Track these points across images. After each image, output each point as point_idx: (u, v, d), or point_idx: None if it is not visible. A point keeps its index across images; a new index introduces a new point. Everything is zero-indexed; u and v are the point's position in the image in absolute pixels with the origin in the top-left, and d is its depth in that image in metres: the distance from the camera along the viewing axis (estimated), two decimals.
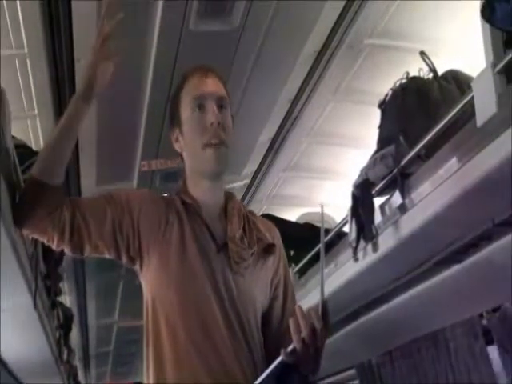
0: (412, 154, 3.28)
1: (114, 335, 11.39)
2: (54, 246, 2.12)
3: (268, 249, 2.22)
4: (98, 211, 2.11)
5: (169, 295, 2.09)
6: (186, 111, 2.18)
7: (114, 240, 2.11)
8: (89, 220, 2.09)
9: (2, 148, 2.35)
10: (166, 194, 2.29)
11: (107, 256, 2.16)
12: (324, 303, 1.84)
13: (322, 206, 2.22)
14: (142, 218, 2.13)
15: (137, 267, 2.16)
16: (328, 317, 1.83)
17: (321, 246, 2.06)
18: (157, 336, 2.09)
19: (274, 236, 2.30)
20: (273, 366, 1.89)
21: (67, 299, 8.52)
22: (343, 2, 4.10)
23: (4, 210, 2.16)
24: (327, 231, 4.41)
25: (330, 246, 4.21)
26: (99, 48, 2.10)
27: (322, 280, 1.91)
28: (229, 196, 2.28)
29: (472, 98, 2.71)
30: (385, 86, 3.99)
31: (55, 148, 2.10)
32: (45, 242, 2.13)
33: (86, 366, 13.66)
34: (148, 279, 2.15)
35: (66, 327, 5.86)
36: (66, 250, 2.13)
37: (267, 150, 5.80)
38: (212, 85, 2.19)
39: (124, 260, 2.15)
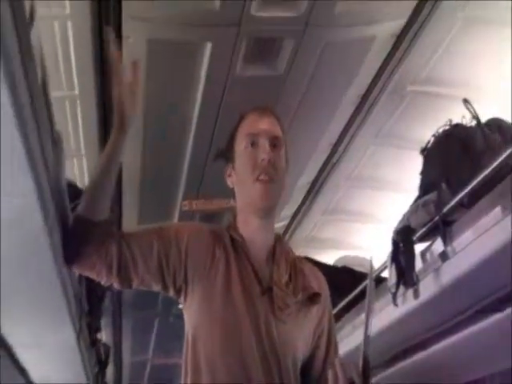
0: (455, 201, 3.27)
1: (148, 372, 11.37)
2: (103, 281, 2.15)
3: (313, 298, 2.21)
4: (145, 245, 2.13)
5: (210, 333, 2.08)
6: (239, 147, 2.21)
7: (160, 274, 2.12)
8: (135, 254, 2.11)
9: (59, 188, 2.40)
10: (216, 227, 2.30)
11: (154, 288, 2.18)
12: (366, 358, 1.85)
13: (371, 261, 2.21)
14: (190, 250, 2.13)
15: (181, 299, 2.17)
16: (369, 373, 1.84)
17: (366, 301, 2.06)
18: (195, 372, 2.09)
19: (321, 285, 2.29)
20: None
21: (103, 335, 8.55)
22: (388, 48, 4.16)
23: (56, 249, 2.20)
24: (366, 276, 4.42)
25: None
26: (114, 78, 2.15)
27: (366, 334, 1.91)
28: (278, 238, 2.27)
29: None
30: (426, 132, 4.01)
31: (97, 184, 2.14)
32: (94, 277, 2.16)
33: None
34: (190, 313, 2.15)
35: (103, 363, 5.87)
36: (115, 285, 2.16)
37: (306, 192, 5.84)
38: (267, 123, 2.22)
39: (171, 292, 2.16)
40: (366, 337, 1.90)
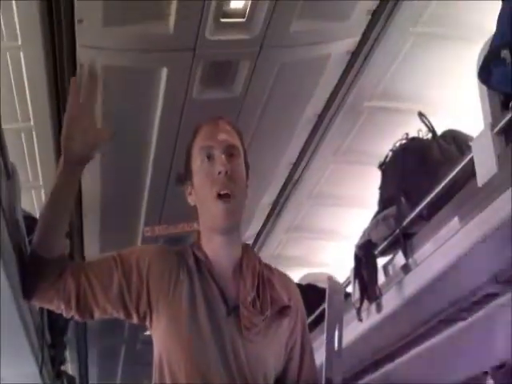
0: (414, 214, 3.33)
1: None
2: (64, 314, 2.10)
3: (282, 311, 2.12)
4: (104, 274, 2.07)
5: (176, 357, 2.02)
6: (196, 163, 2.11)
7: (121, 302, 2.06)
8: (94, 285, 2.05)
9: (14, 221, 2.38)
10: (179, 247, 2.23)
11: (118, 317, 2.12)
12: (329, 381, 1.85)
13: (328, 281, 2.17)
14: (152, 274, 2.07)
15: (147, 323, 2.11)
16: None
17: (325, 323, 2.02)
18: None
19: (291, 294, 2.19)
20: None
21: (69, 366, 8.44)
22: (343, 66, 4.20)
23: (13, 281, 2.19)
24: None
25: None
26: (66, 112, 2.02)
27: (329, 356, 1.90)
28: (245, 250, 2.17)
29: (472, 158, 2.76)
30: (384, 147, 4.06)
31: (46, 220, 2.07)
32: (54, 310, 2.11)
33: None
34: (157, 337, 2.09)
35: None
36: (76, 317, 2.10)
37: (269, 211, 5.84)
38: (221, 133, 2.12)
39: (134, 319, 2.10)
40: (329, 360, 1.89)
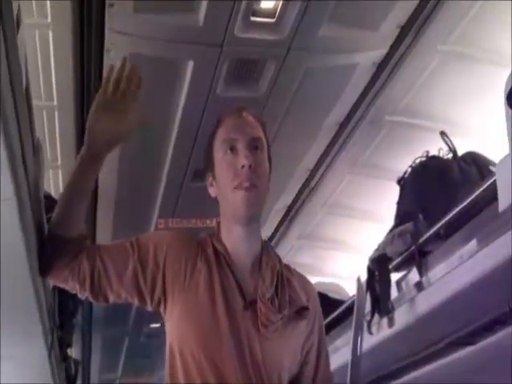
0: (431, 232, 3.28)
1: None
2: (78, 295, 2.08)
3: (301, 312, 2.07)
4: (120, 259, 2.04)
5: (189, 346, 1.97)
6: (218, 154, 2.06)
7: (136, 287, 2.03)
8: (109, 269, 2.03)
9: (37, 197, 2.37)
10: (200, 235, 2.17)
11: (132, 302, 2.07)
12: None
13: (357, 283, 2.12)
14: (169, 261, 2.03)
15: (162, 312, 2.06)
16: None
17: (353, 327, 2.01)
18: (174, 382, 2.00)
19: (310, 296, 2.15)
20: None
21: (73, 351, 8.48)
22: (369, 77, 4.20)
23: (32, 260, 2.17)
24: (340, 303, 4.41)
25: (342, 318, 4.19)
26: (97, 97, 1.99)
27: (354, 362, 1.90)
28: (265, 246, 2.12)
29: (494, 182, 2.72)
30: (402, 162, 4.04)
31: (67, 200, 2.05)
32: (69, 290, 2.08)
33: None
34: (171, 324, 2.04)
35: (72, 380, 5.81)
36: (90, 299, 2.08)
37: (283, 216, 5.84)
38: (245, 125, 2.07)
39: (148, 305, 2.06)
40: (354, 364, 1.88)
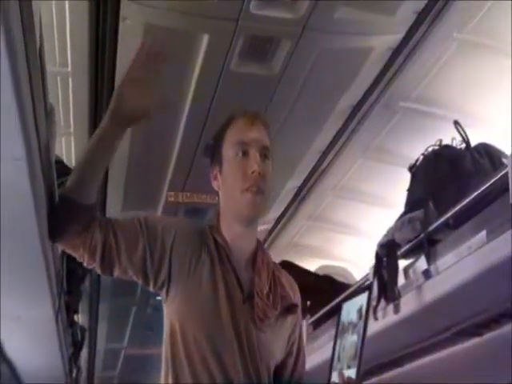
0: (441, 221, 3.28)
1: (121, 361, 11.37)
2: (84, 264, 2.11)
3: (290, 308, 2.21)
4: (131, 236, 2.08)
5: (191, 329, 2.07)
6: (228, 152, 2.16)
7: (143, 267, 2.08)
8: (120, 244, 2.07)
9: (48, 161, 2.38)
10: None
11: (135, 280, 2.14)
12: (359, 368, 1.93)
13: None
14: (176, 247, 2.10)
15: (163, 294, 2.14)
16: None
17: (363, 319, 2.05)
18: (176, 372, 2.08)
19: (295, 293, 2.28)
20: None
21: (79, 317, 8.55)
22: (384, 62, 4.17)
23: (42, 224, 2.18)
24: (346, 287, 4.41)
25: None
26: (128, 73, 2.01)
27: (361, 346, 1.96)
28: (259, 245, 2.25)
29: (506, 174, 2.73)
30: (414, 149, 4.03)
31: (86, 168, 2.06)
32: (77, 258, 2.12)
33: None
34: (172, 310, 2.12)
35: (78, 346, 5.87)
36: (96, 270, 2.12)
37: (293, 197, 5.84)
38: (258, 132, 2.17)
39: (151, 286, 2.13)
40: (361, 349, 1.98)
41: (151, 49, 2.01)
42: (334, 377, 2.04)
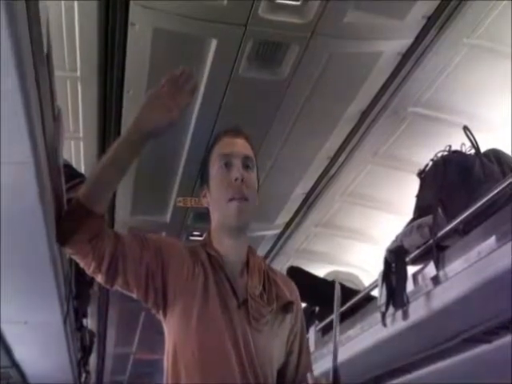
0: (450, 227, 3.27)
1: (130, 366, 11.36)
2: (88, 272, 2.14)
3: (287, 306, 2.26)
4: (136, 252, 2.14)
5: (190, 346, 2.11)
6: (213, 168, 2.26)
7: (145, 283, 2.14)
8: (128, 257, 2.12)
9: (55, 165, 2.38)
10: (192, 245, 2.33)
11: (133, 295, 2.18)
12: (335, 371, 1.94)
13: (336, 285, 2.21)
14: (171, 270, 2.16)
15: (160, 315, 2.20)
16: None
17: (334, 317, 2.07)
18: (177, 382, 2.12)
19: (293, 292, 2.34)
20: None
21: (88, 322, 8.54)
22: (393, 67, 4.15)
23: (50, 227, 2.20)
24: (355, 293, 4.40)
25: (357, 309, 4.21)
26: (155, 92, 2.13)
27: (335, 347, 1.97)
28: (250, 251, 2.31)
29: None
30: (423, 155, 4.03)
31: (102, 178, 2.12)
32: (81, 264, 2.14)
33: None
34: (171, 327, 2.17)
35: (87, 350, 5.87)
36: (99, 279, 2.14)
37: (301, 203, 5.82)
38: (240, 145, 2.28)
39: (149, 304, 2.18)
40: (335, 349, 2.00)
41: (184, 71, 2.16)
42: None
